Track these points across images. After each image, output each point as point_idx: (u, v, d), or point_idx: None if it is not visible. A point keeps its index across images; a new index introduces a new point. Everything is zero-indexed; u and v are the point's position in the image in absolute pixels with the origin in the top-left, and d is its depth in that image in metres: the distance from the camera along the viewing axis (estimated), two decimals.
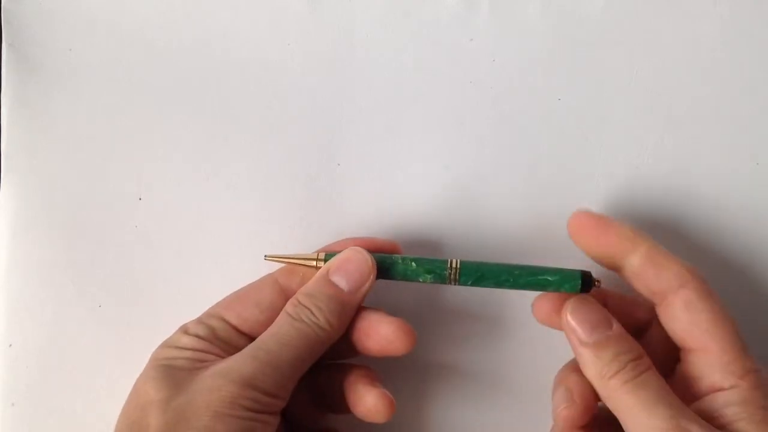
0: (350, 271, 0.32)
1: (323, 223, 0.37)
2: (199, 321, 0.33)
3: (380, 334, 0.32)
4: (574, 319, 0.31)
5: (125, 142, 0.37)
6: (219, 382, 0.29)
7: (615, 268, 0.33)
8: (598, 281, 0.33)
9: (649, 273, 0.32)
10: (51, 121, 0.37)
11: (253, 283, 0.35)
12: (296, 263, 0.34)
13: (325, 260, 0.33)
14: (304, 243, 0.37)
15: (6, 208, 0.37)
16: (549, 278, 0.32)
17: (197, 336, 0.32)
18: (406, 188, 0.38)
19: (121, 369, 0.37)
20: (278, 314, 0.32)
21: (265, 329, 0.32)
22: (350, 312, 0.32)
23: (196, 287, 0.37)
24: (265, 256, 0.34)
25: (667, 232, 0.37)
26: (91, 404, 0.37)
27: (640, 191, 0.37)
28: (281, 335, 0.31)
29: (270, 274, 0.35)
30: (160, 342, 0.34)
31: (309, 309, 0.31)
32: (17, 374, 0.37)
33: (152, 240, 0.37)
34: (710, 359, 0.31)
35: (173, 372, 0.31)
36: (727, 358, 0.30)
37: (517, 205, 0.37)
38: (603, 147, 0.37)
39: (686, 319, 0.31)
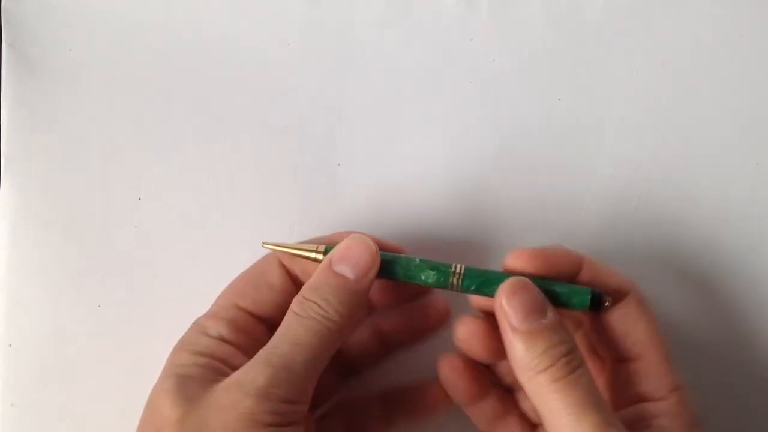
0: (354, 258, 0.31)
1: (323, 223, 0.37)
2: (215, 316, 0.32)
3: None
4: (507, 302, 0.29)
5: (125, 142, 0.37)
6: (235, 396, 0.28)
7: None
8: (609, 299, 0.31)
9: (593, 285, 0.31)
10: (51, 121, 0.37)
11: (257, 265, 0.33)
12: (294, 254, 0.33)
13: (325, 252, 0.32)
14: None
15: (6, 208, 0.37)
16: (557, 290, 0.31)
17: (220, 338, 0.31)
18: (406, 188, 0.38)
19: (120, 369, 0.37)
20: (289, 296, 0.31)
21: (280, 312, 0.31)
22: (359, 300, 0.31)
23: (196, 287, 0.37)
24: (263, 243, 0.33)
25: (667, 232, 0.37)
26: (91, 404, 0.37)
27: (640, 191, 0.37)
28: (291, 335, 0.29)
29: (271, 254, 0.33)
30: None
31: (316, 303, 0.30)
32: (17, 374, 0.37)
33: (152, 240, 0.37)
34: (644, 369, 0.30)
35: (188, 384, 0.29)
36: (661, 369, 0.30)
37: (517, 205, 0.37)
38: (603, 147, 0.37)
39: (626, 328, 0.31)
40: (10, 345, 0.37)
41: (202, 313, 0.33)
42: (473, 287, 0.31)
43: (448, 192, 0.38)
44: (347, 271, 0.30)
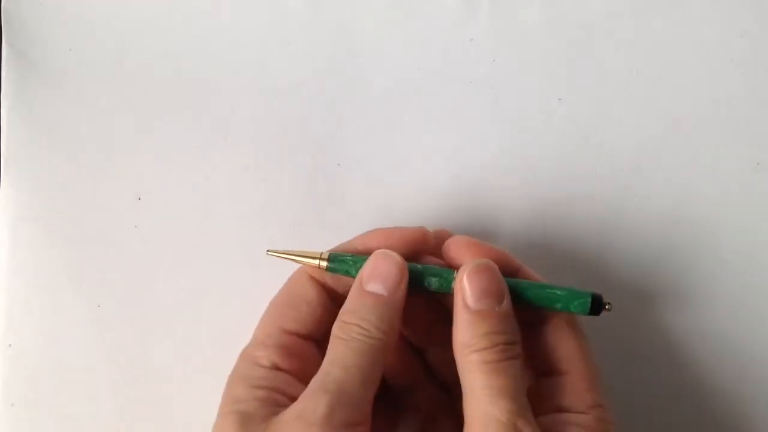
0: (383, 275, 0.31)
1: (323, 223, 0.37)
2: (264, 344, 0.32)
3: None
4: (468, 281, 0.30)
5: (125, 142, 0.37)
6: (300, 427, 0.28)
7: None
8: (608, 304, 0.32)
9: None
10: (51, 121, 0.37)
11: (288, 285, 0.34)
12: (298, 261, 0.33)
13: (329, 260, 0.32)
14: (305, 243, 0.37)
15: (6, 208, 0.37)
16: (558, 293, 0.31)
17: (274, 366, 0.31)
18: (406, 188, 0.38)
19: (120, 369, 0.37)
20: (327, 309, 0.32)
21: (323, 328, 0.32)
22: (397, 311, 0.31)
23: (196, 287, 0.37)
24: (268, 251, 0.33)
25: (667, 232, 0.37)
26: (91, 404, 0.37)
27: (640, 191, 0.37)
28: (340, 360, 0.30)
29: (299, 271, 0.34)
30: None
31: (356, 325, 0.30)
32: (17, 374, 0.37)
33: (152, 240, 0.37)
34: (567, 383, 0.31)
35: (249, 421, 0.29)
36: (584, 386, 0.31)
37: (517, 205, 0.37)
38: (603, 147, 0.37)
39: (555, 343, 0.32)
40: (10, 345, 0.37)
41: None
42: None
43: (448, 192, 0.37)
44: (379, 288, 0.31)
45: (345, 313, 0.31)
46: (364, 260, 0.32)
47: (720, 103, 0.37)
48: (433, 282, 0.32)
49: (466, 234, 0.34)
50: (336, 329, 0.31)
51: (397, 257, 0.32)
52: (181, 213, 0.37)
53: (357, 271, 0.32)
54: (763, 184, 0.37)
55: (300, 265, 0.33)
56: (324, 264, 0.32)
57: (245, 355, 0.32)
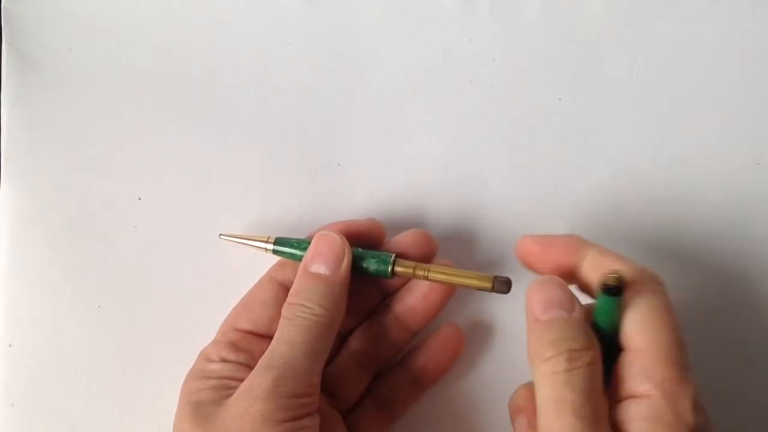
0: (324, 255, 0.33)
1: (323, 223, 0.37)
2: (216, 343, 0.34)
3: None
4: (534, 296, 0.30)
5: (125, 142, 0.38)
6: (246, 404, 0.29)
7: (574, 281, 0.32)
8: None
9: (594, 278, 0.31)
10: (51, 121, 0.37)
11: (251, 288, 0.35)
12: (247, 244, 0.35)
13: (275, 243, 0.34)
14: None
15: (6, 208, 0.37)
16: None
17: (222, 360, 0.33)
18: (406, 188, 0.38)
19: (120, 369, 0.37)
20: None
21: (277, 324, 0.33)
22: (341, 290, 0.33)
23: (195, 287, 0.37)
24: (220, 234, 0.35)
25: (668, 232, 0.37)
26: (91, 404, 0.37)
27: (641, 191, 0.37)
28: (285, 338, 0.31)
29: (265, 273, 0.35)
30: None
31: (300, 304, 0.32)
32: (17, 374, 0.37)
33: (152, 240, 0.37)
34: (634, 361, 0.29)
35: (202, 407, 0.31)
36: (650, 362, 0.28)
37: (517, 205, 0.37)
38: (603, 147, 0.37)
39: (623, 315, 0.30)
40: (10, 345, 0.37)
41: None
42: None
43: (448, 192, 0.37)
44: (321, 268, 0.33)
45: (291, 296, 0.33)
46: (309, 243, 0.33)
47: (720, 103, 0.37)
48: (372, 264, 0.33)
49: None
50: (284, 311, 0.32)
51: (337, 237, 0.33)
52: (181, 213, 0.37)
53: (302, 254, 0.33)
54: (763, 184, 0.37)
55: (255, 250, 0.35)
56: (271, 247, 0.34)
57: (200, 355, 0.34)
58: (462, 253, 0.37)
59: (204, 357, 0.33)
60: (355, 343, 0.36)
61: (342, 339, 0.36)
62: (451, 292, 0.36)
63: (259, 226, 0.37)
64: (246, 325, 0.34)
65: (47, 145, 0.37)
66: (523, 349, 0.30)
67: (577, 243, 0.32)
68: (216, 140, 0.38)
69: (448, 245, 0.37)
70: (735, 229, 0.37)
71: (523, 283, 0.31)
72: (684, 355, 0.29)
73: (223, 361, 0.33)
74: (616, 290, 0.29)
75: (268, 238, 0.35)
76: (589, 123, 0.37)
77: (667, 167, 0.37)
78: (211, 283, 0.37)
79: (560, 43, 0.37)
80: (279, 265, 0.35)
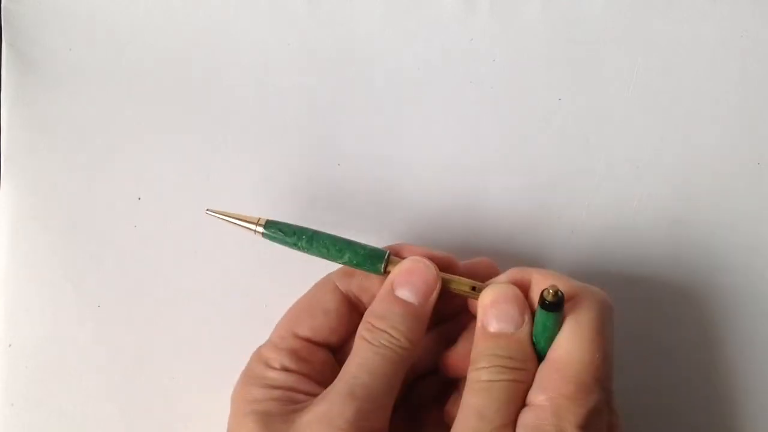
0: (415, 283, 0.31)
1: (323, 223, 0.37)
2: (275, 347, 0.32)
3: None
4: (487, 305, 0.30)
5: (125, 142, 0.38)
6: (325, 430, 0.28)
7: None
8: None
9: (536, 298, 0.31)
10: (51, 121, 0.37)
11: (311, 291, 0.34)
12: (236, 223, 0.33)
13: (265, 226, 0.32)
14: None
15: (6, 208, 0.37)
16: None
17: (283, 368, 0.31)
18: (406, 188, 0.38)
19: (120, 369, 0.37)
20: (346, 319, 0.32)
21: (337, 336, 0.32)
22: (425, 324, 0.31)
23: (195, 287, 0.37)
24: (207, 210, 0.33)
25: (668, 232, 0.37)
26: (91, 404, 0.37)
27: (640, 191, 0.37)
28: (368, 365, 0.30)
29: (326, 278, 0.34)
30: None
31: (386, 332, 0.30)
32: (17, 374, 0.37)
33: (152, 240, 0.37)
34: (540, 370, 0.29)
35: (270, 421, 0.29)
36: (553, 375, 0.29)
37: (517, 205, 0.37)
38: (603, 147, 0.37)
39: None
40: (10, 345, 0.37)
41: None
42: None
43: (448, 192, 0.37)
44: (410, 296, 0.31)
45: (374, 317, 0.31)
46: (304, 232, 0.32)
47: (720, 103, 0.37)
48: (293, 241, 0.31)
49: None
50: (364, 332, 0.31)
51: (432, 267, 0.31)
52: (181, 213, 0.37)
53: (296, 241, 0.32)
54: (763, 184, 0.37)
55: (242, 229, 0.33)
56: (261, 230, 0.32)
57: (257, 356, 0.32)
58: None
59: (263, 362, 0.32)
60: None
61: None
62: None
63: None
64: (306, 333, 0.32)
65: (47, 145, 0.37)
66: None
67: (519, 272, 0.32)
68: (216, 140, 0.38)
69: (448, 245, 0.37)
70: (734, 228, 0.37)
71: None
72: (598, 372, 0.29)
73: (285, 369, 0.31)
74: (552, 305, 0.29)
75: (258, 219, 0.33)
76: (589, 123, 0.37)
77: (667, 167, 0.37)
78: (211, 283, 0.37)
79: (560, 43, 0.37)
80: (343, 273, 0.33)
